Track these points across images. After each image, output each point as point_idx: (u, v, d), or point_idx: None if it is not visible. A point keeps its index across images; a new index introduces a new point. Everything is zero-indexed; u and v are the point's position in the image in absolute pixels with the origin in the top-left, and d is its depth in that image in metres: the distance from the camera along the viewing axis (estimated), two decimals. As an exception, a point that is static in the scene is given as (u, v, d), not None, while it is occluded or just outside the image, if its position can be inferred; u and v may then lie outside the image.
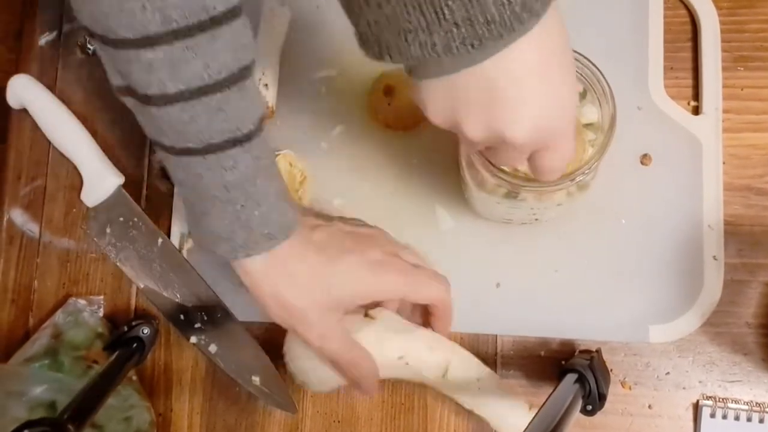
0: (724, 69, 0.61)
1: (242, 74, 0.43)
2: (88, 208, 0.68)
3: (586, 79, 0.51)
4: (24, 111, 0.69)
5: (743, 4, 0.62)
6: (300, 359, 0.57)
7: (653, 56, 0.62)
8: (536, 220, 0.59)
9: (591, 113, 0.52)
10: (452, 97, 0.40)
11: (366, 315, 0.54)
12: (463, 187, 0.59)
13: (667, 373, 0.60)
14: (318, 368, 0.56)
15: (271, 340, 0.65)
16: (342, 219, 0.56)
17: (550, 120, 0.40)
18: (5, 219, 0.70)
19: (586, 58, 0.49)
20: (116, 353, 0.61)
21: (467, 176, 0.54)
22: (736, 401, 0.59)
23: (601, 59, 0.62)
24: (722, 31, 0.62)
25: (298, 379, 0.57)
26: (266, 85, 0.64)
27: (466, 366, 0.57)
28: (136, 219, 0.66)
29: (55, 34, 0.71)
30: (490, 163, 0.47)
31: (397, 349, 0.55)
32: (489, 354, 0.62)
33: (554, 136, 0.41)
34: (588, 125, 0.52)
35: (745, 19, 0.62)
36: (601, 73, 0.50)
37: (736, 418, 0.58)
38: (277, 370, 0.64)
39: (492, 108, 0.39)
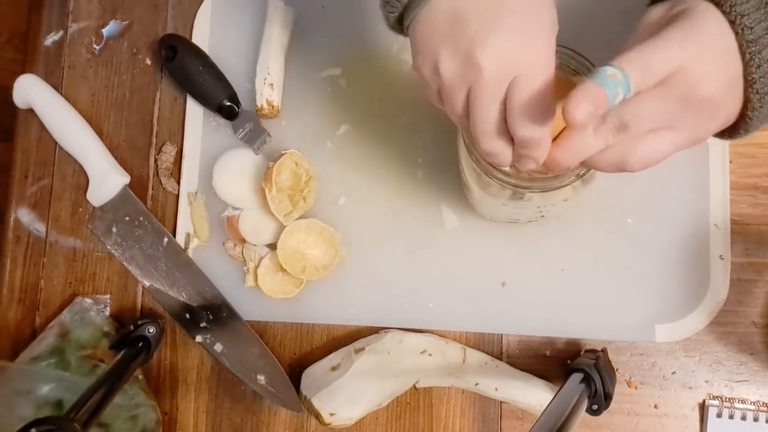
0: (731, 67, 0.61)
1: None
2: (94, 207, 0.68)
3: (581, 74, 0.51)
4: (30, 111, 0.69)
5: None
6: (318, 390, 0.59)
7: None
8: (542, 216, 0.59)
9: None
10: (427, 36, 0.42)
11: None
12: (465, 192, 0.59)
13: (674, 373, 0.60)
14: (335, 400, 0.58)
15: (276, 338, 0.65)
16: None
17: (518, 44, 0.40)
18: (12, 218, 0.70)
19: (579, 53, 0.49)
20: (122, 352, 0.61)
21: (470, 181, 0.54)
22: (743, 401, 0.58)
23: (603, 58, 0.62)
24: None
25: (314, 410, 0.59)
26: (272, 84, 0.64)
27: (480, 356, 0.61)
28: (141, 218, 0.67)
29: (61, 33, 0.71)
30: (493, 166, 0.47)
31: (419, 345, 0.61)
32: (494, 353, 0.62)
33: (524, 64, 0.40)
34: None
35: None
36: (593, 65, 0.49)
37: (743, 418, 0.58)
38: (282, 369, 0.64)
39: (460, 32, 0.40)
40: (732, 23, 0.39)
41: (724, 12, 0.39)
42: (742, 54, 0.39)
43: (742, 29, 0.39)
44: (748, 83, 0.40)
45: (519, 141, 0.41)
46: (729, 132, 0.44)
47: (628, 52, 0.39)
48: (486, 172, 0.48)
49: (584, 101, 0.36)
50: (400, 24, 0.45)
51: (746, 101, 0.41)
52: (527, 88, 0.40)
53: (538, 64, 0.40)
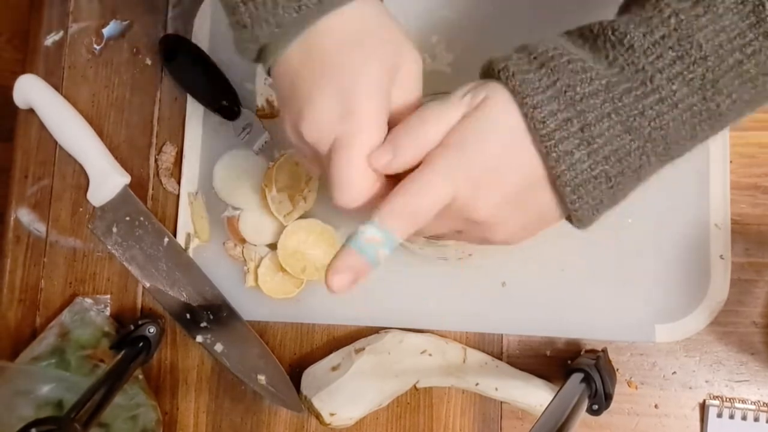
0: (731, 67, 0.61)
1: None
2: (94, 207, 0.68)
3: None
4: (31, 111, 0.69)
5: None
6: (318, 390, 0.59)
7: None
8: (470, 255, 0.60)
9: None
10: (278, 98, 0.42)
11: None
12: None
13: (674, 373, 0.60)
14: (335, 400, 0.58)
15: (276, 338, 0.65)
16: None
17: (336, 112, 0.38)
18: (12, 218, 0.70)
19: None
20: (123, 352, 0.61)
21: None
22: (743, 401, 0.58)
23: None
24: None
25: (314, 410, 0.59)
26: (272, 84, 0.64)
27: (480, 356, 0.61)
28: (142, 218, 0.67)
29: (61, 33, 0.71)
30: None
31: (419, 345, 0.61)
32: (495, 353, 0.62)
33: (345, 133, 0.38)
34: None
35: None
36: None
37: (743, 418, 0.58)
38: (282, 369, 0.64)
39: (293, 99, 0.40)
40: (525, 116, 0.37)
41: (518, 103, 0.37)
42: (539, 150, 0.37)
43: (534, 124, 0.36)
44: (554, 178, 0.37)
45: (338, 207, 0.39)
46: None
47: (390, 199, 0.37)
48: None
49: (343, 272, 0.37)
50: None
51: (561, 197, 0.38)
52: (343, 155, 0.38)
53: (362, 130, 0.38)
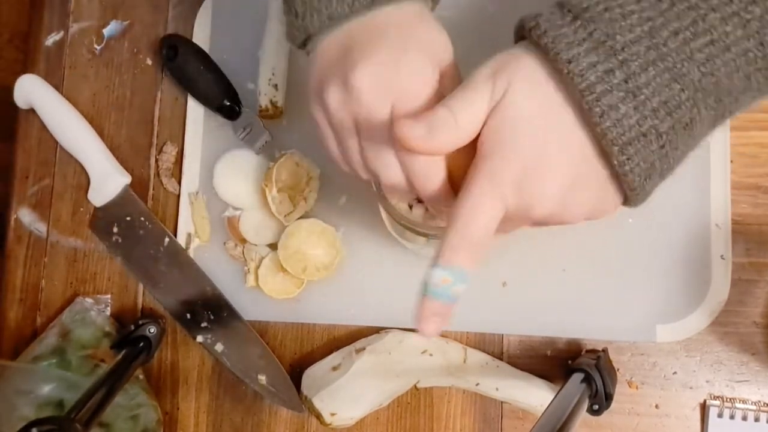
0: (732, 67, 0.61)
1: None
2: (95, 207, 0.68)
3: None
4: (31, 111, 0.69)
5: None
6: (318, 390, 0.59)
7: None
8: None
9: None
10: (317, 71, 0.42)
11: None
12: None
13: (674, 373, 0.60)
14: (336, 400, 0.58)
15: (277, 338, 0.65)
16: None
17: (391, 58, 0.39)
18: (13, 218, 0.70)
19: None
20: (123, 352, 0.61)
21: (389, 226, 0.55)
22: (744, 401, 0.58)
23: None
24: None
25: (315, 410, 0.59)
26: (275, 85, 0.64)
27: (481, 356, 0.61)
28: (142, 218, 0.67)
29: (62, 34, 0.72)
30: (401, 218, 0.47)
31: (419, 345, 0.61)
32: (495, 353, 0.62)
33: (402, 76, 0.39)
34: None
35: None
36: None
37: (744, 418, 0.58)
38: (283, 369, 0.64)
39: (343, 62, 0.40)
40: (561, 75, 0.35)
41: (550, 65, 0.35)
42: (581, 115, 0.35)
43: (573, 78, 0.34)
44: (599, 139, 0.35)
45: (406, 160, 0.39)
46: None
47: (446, 238, 0.37)
48: (397, 219, 0.48)
49: (429, 319, 0.36)
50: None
51: (610, 162, 0.35)
52: (407, 102, 0.38)
53: (415, 76, 0.39)
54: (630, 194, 0.37)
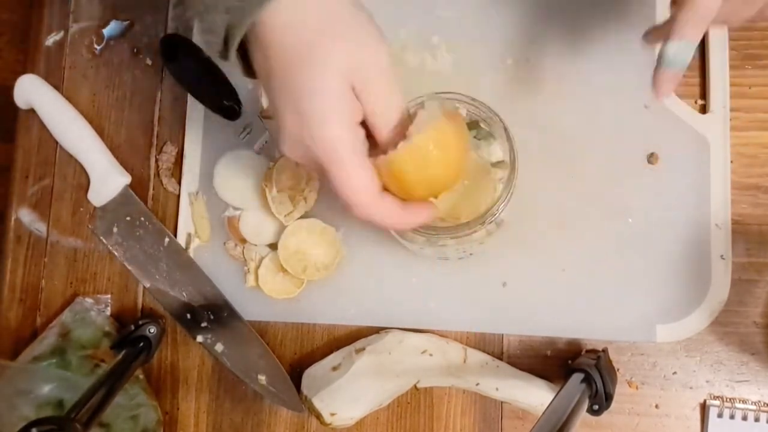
0: (732, 67, 0.61)
1: None
2: (95, 207, 0.68)
3: (485, 120, 0.51)
4: (31, 111, 0.69)
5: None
6: (318, 390, 0.59)
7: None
8: (470, 255, 0.60)
9: (498, 151, 0.53)
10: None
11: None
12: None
13: (674, 373, 0.60)
14: (336, 400, 0.58)
15: (277, 338, 0.65)
16: None
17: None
18: (13, 218, 0.70)
19: (477, 100, 0.50)
20: (123, 352, 0.61)
21: (390, 230, 0.55)
22: (744, 401, 0.58)
23: (609, 57, 0.62)
24: (730, 29, 0.61)
25: (315, 410, 0.59)
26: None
27: (481, 356, 0.61)
28: (142, 218, 0.67)
29: (62, 33, 0.71)
30: None
31: (419, 345, 0.61)
32: (495, 353, 0.62)
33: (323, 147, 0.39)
34: (497, 164, 0.52)
35: (753, 17, 0.62)
36: (495, 113, 0.50)
37: (744, 418, 0.58)
38: (283, 369, 0.64)
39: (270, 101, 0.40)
40: None
41: None
42: None
43: None
44: None
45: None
46: None
47: (677, 16, 0.42)
48: None
49: (665, 84, 0.44)
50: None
51: None
52: (333, 181, 0.39)
53: (337, 160, 0.39)
54: None
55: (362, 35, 0.39)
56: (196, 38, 0.68)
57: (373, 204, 0.40)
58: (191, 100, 0.68)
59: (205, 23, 0.39)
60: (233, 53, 0.40)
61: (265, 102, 0.64)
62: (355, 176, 0.39)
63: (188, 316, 0.65)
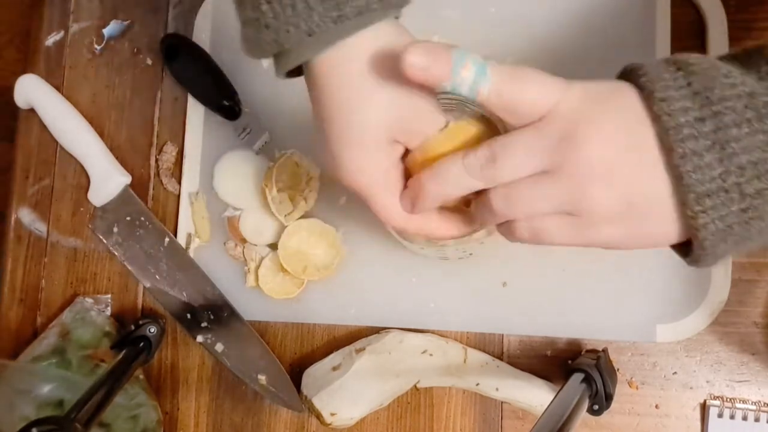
0: (732, 67, 0.61)
1: None
2: (95, 207, 0.68)
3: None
4: (31, 111, 0.69)
5: (752, 1, 0.62)
6: (318, 390, 0.59)
7: (660, 54, 0.62)
8: (470, 255, 0.60)
9: None
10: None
11: None
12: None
13: (675, 373, 0.60)
14: (336, 400, 0.58)
15: (277, 338, 0.65)
16: None
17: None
18: (13, 218, 0.70)
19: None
20: (123, 352, 0.61)
21: (390, 231, 0.55)
22: (744, 401, 0.58)
23: (608, 56, 0.62)
24: (730, 29, 0.61)
25: (315, 410, 0.59)
26: (272, 84, 0.65)
27: (481, 356, 0.61)
28: (143, 218, 0.67)
29: (62, 33, 0.71)
30: None
31: (419, 345, 0.61)
32: (495, 353, 0.62)
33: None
34: None
35: (754, 17, 0.62)
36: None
37: (744, 419, 0.58)
38: (283, 369, 0.64)
39: (317, 120, 0.42)
40: (650, 110, 0.34)
41: (644, 100, 0.34)
42: (665, 146, 0.33)
43: (661, 116, 0.33)
44: (677, 180, 0.33)
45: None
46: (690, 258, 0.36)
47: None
48: None
49: (423, 52, 0.35)
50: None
51: (682, 208, 0.33)
52: (372, 206, 0.42)
53: (374, 190, 0.42)
54: (699, 253, 0.34)
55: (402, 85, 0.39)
56: (197, 38, 0.68)
57: (408, 226, 0.43)
58: (191, 100, 0.68)
59: (250, 33, 0.40)
60: (281, 76, 0.42)
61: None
62: (390, 205, 0.42)
63: (188, 316, 0.65)
